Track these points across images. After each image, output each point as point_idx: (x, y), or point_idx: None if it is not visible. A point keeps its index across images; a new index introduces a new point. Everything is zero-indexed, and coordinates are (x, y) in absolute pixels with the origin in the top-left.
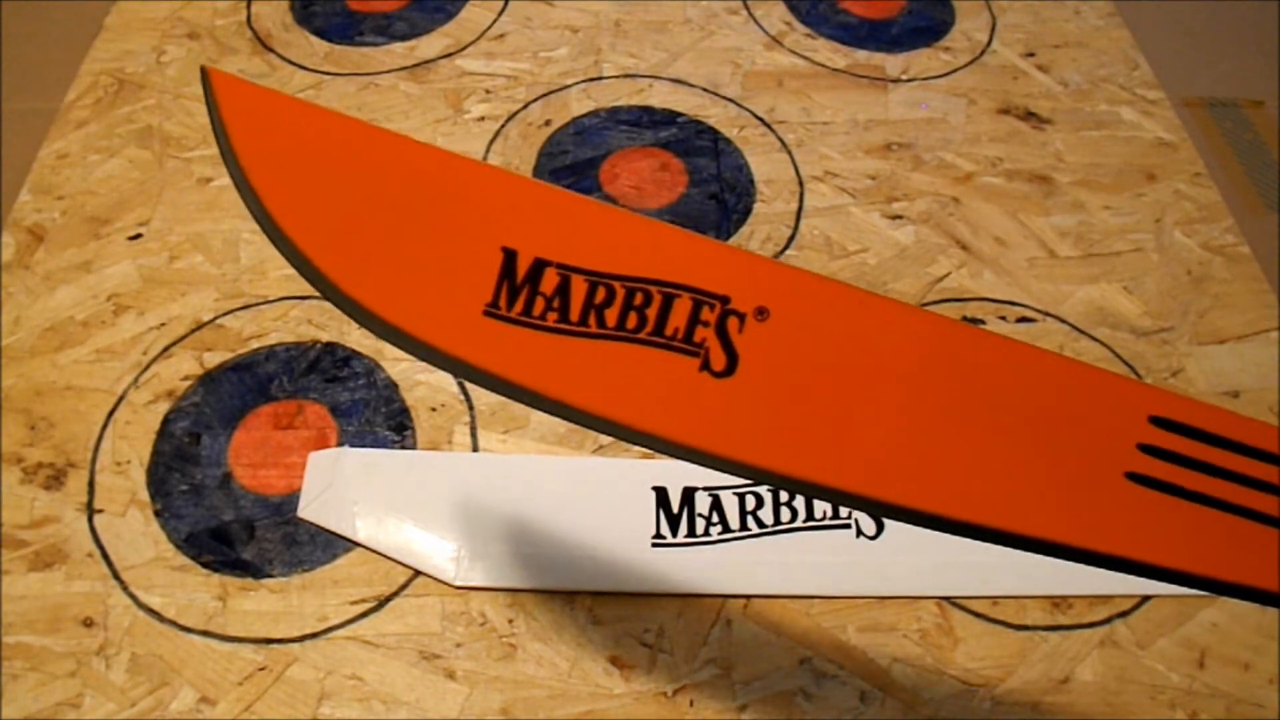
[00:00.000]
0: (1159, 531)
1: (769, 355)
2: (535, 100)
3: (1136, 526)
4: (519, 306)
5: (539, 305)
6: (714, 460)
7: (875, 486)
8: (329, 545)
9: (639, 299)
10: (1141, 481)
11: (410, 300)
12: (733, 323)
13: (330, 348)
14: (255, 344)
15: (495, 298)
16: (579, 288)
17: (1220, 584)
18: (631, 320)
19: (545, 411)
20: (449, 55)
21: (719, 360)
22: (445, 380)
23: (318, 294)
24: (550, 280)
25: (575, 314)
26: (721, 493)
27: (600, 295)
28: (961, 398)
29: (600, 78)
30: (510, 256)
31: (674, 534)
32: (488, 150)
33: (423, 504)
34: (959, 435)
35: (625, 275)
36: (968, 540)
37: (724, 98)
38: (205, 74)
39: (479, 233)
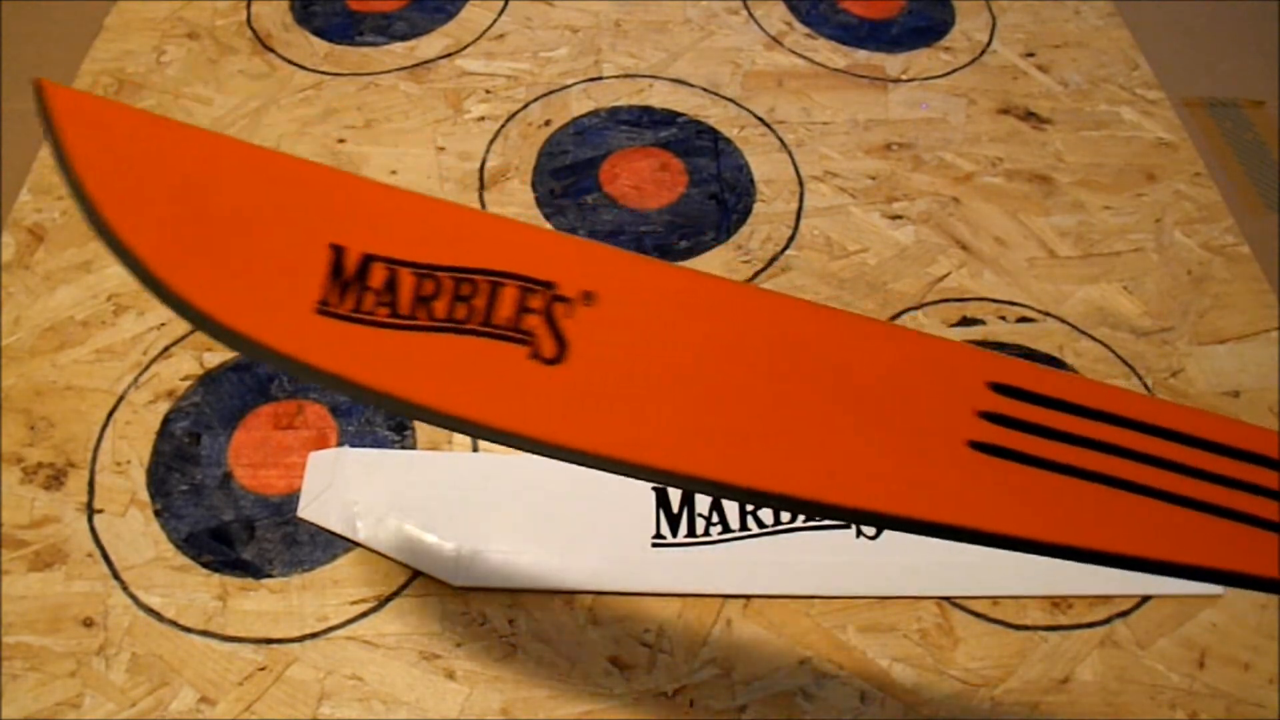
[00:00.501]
0: (1005, 500)
1: (599, 339)
2: (535, 100)
3: (981, 496)
4: (349, 303)
5: (369, 300)
6: (549, 449)
7: (711, 467)
8: (329, 545)
9: (466, 289)
10: (985, 449)
11: (243, 300)
12: (560, 309)
13: None
14: None
15: (326, 295)
16: (406, 281)
17: (1072, 550)
18: (460, 311)
19: (380, 407)
20: (449, 55)
21: (548, 347)
22: None
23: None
24: (378, 275)
25: (404, 308)
26: None
27: (428, 288)
28: (795, 373)
29: (600, 78)
30: (339, 253)
31: (674, 534)
32: (487, 150)
33: (423, 504)
34: (795, 411)
35: (452, 266)
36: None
37: (724, 98)
38: (38, 87)
39: (308, 231)
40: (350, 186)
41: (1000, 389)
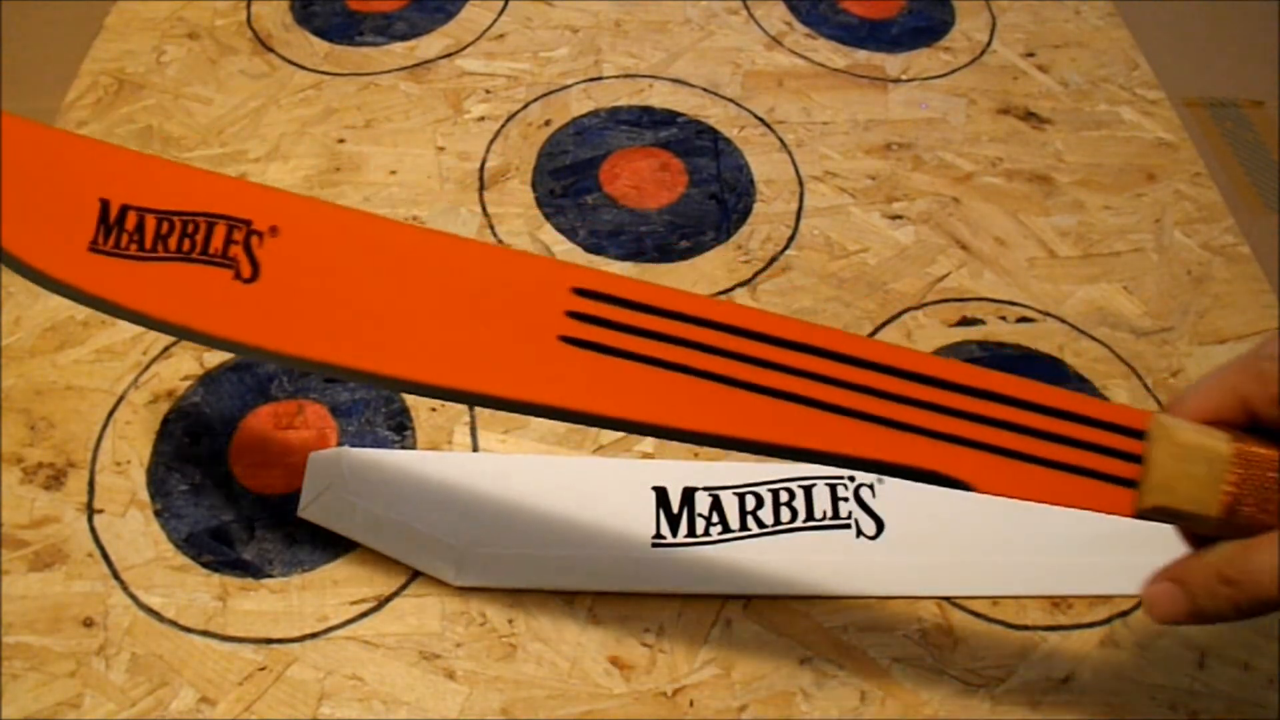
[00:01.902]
0: (590, 384)
1: (282, 263)
2: (535, 100)
3: (569, 380)
4: (111, 242)
5: (124, 240)
6: (248, 350)
7: (361, 359)
8: (329, 545)
9: (191, 228)
10: (572, 342)
11: (36, 243)
12: (254, 240)
13: None
14: None
15: (95, 236)
16: (150, 224)
17: (653, 428)
18: (186, 245)
19: (134, 322)
20: (449, 55)
21: (246, 269)
22: None
23: None
24: (131, 220)
25: (149, 244)
26: (721, 493)
27: (165, 228)
28: (423, 285)
29: (600, 78)
30: (105, 205)
31: (674, 534)
32: (487, 150)
33: (423, 504)
34: (425, 315)
35: (181, 211)
36: (968, 540)
37: (724, 98)
38: None
39: (84, 189)
40: (115, 154)
41: (583, 292)
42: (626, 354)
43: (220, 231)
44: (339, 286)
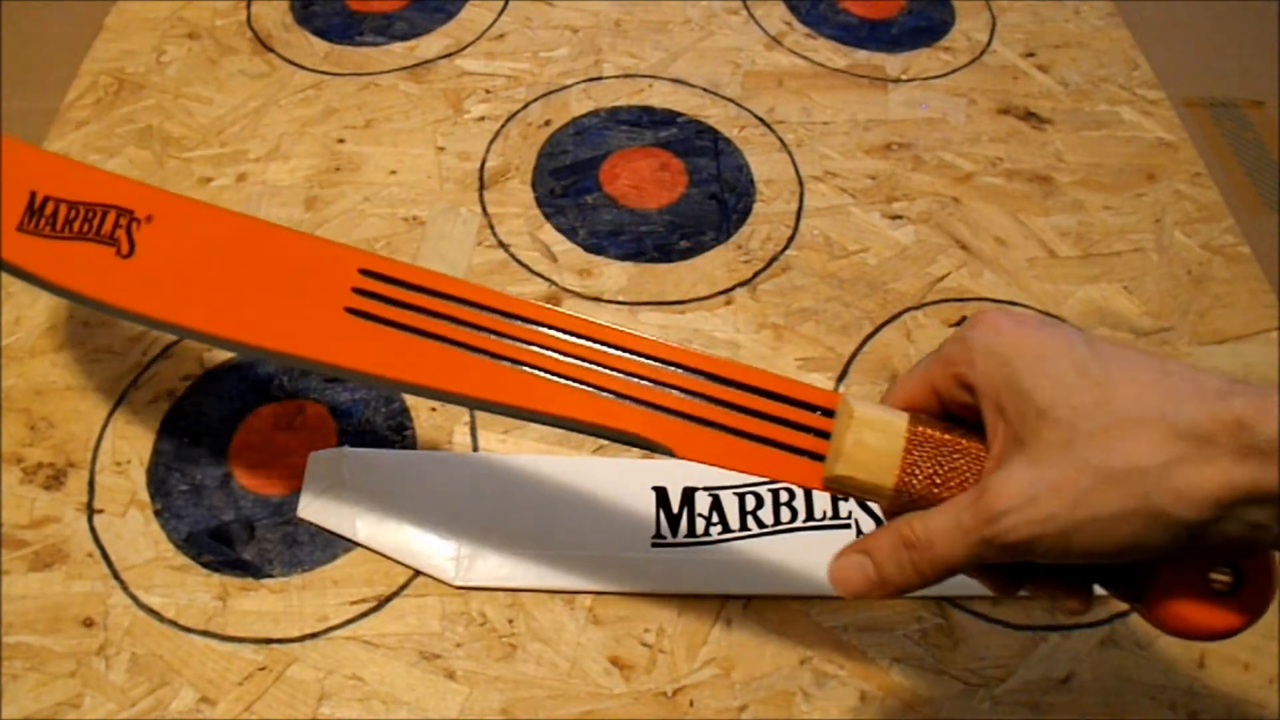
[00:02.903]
0: (368, 349)
1: (152, 244)
2: (535, 100)
3: (351, 345)
4: (33, 225)
5: (42, 223)
6: (119, 312)
7: (195, 320)
8: (329, 545)
9: (90, 214)
10: (356, 314)
11: None
12: (134, 225)
13: None
14: None
15: (21, 220)
16: (63, 211)
17: (412, 386)
18: (85, 227)
19: (41, 288)
20: (449, 55)
21: (125, 248)
22: None
23: None
24: (49, 208)
25: (59, 226)
26: (721, 493)
27: (73, 214)
28: (247, 264)
29: (600, 78)
30: (32, 196)
31: (674, 534)
32: (487, 150)
33: (423, 504)
34: (245, 287)
35: (86, 201)
36: None
37: (724, 98)
38: None
39: (18, 183)
40: (45, 157)
41: (366, 272)
42: (397, 324)
43: (110, 218)
44: (190, 263)
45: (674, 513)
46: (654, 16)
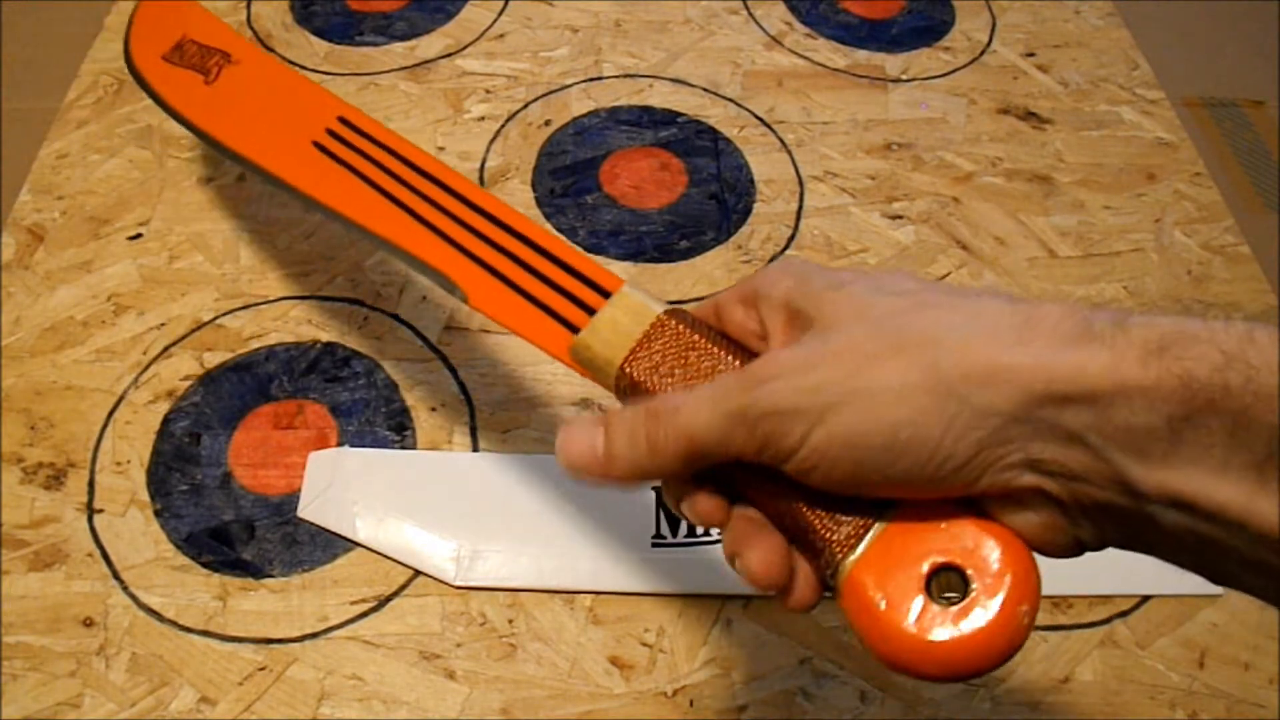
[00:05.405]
0: (322, 179)
1: (227, 76)
2: (535, 100)
3: (311, 174)
4: (174, 56)
5: (179, 55)
6: (191, 127)
7: (208, 126)
8: (329, 545)
9: (205, 52)
10: (321, 150)
11: (141, 51)
12: (225, 63)
13: (330, 347)
14: (255, 344)
15: (168, 52)
16: (191, 48)
17: (334, 213)
18: (197, 60)
19: (153, 100)
20: (449, 55)
21: (212, 78)
22: (445, 380)
23: (311, 294)
24: (187, 46)
25: (184, 59)
26: None
27: (193, 50)
28: (268, 97)
29: (600, 78)
30: (182, 37)
31: (674, 534)
32: (487, 150)
33: (423, 504)
34: (261, 114)
35: (208, 45)
36: None
37: (724, 98)
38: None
39: (175, 28)
40: (196, 11)
41: (344, 121)
42: (338, 159)
43: (216, 57)
44: (236, 90)
45: (674, 513)
46: (654, 16)
